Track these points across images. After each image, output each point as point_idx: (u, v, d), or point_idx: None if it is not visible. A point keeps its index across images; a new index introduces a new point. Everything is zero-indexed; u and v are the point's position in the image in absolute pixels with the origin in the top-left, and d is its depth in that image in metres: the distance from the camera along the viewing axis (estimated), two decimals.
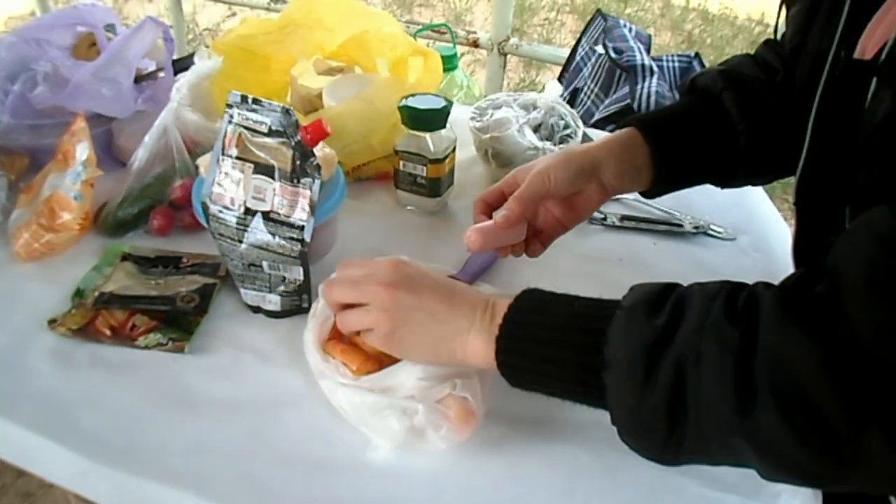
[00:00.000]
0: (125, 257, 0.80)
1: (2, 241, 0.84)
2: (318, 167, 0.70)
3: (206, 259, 0.80)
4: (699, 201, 0.96)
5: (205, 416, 0.64)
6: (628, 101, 1.22)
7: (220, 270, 0.78)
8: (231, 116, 0.70)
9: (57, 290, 0.77)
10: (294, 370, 0.68)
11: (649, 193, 0.75)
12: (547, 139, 0.95)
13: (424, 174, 0.88)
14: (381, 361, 0.66)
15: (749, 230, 0.94)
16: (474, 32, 2.02)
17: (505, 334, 0.54)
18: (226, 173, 0.70)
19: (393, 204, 0.95)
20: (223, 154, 0.70)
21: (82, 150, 0.84)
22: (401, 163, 0.89)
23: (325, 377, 0.64)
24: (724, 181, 0.78)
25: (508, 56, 2.00)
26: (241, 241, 0.70)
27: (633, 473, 0.60)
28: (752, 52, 0.81)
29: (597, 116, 1.29)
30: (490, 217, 0.71)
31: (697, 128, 0.73)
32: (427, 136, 0.86)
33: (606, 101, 1.31)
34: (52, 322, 0.71)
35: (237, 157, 0.70)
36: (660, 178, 0.73)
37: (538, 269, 0.83)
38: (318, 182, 0.70)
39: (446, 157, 0.88)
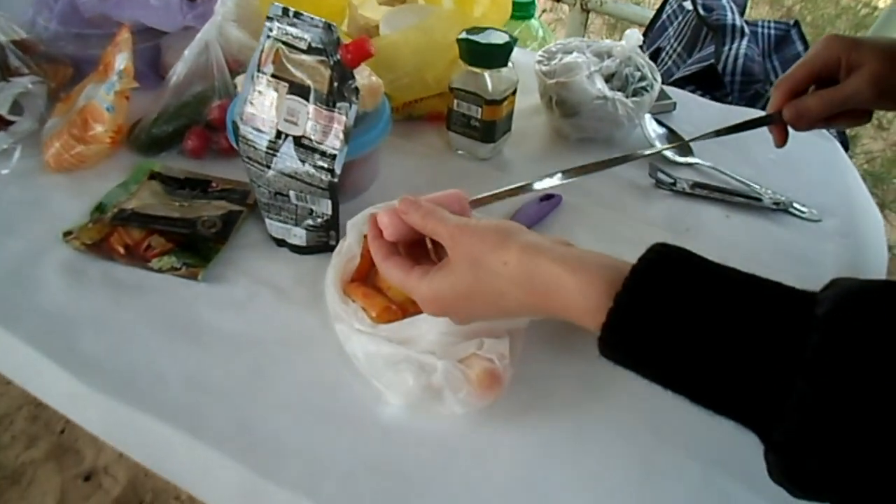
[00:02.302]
0: (153, 176, 0.76)
1: (35, 151, 0.81)
2: (357, 91, 0.63)
3: (237, 185, 0.75)
4: (783, 175, 0.86)
5: (209, 350, 0.59)
6: (712, 61, 1.10)
7: (249, 198, 0.73)
8: (270, 30, 0.64)
9: (81, 203, 0.73)
10: (310, 310, 0.62)
11: None
12: (619, 90, 0.85)
13: (479, 116, 0.80)
14: (406, 310, 0.60)
15: (837, 212, 0.83)
16: None
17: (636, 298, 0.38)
18: (259, 92, 0.64)
19: (443, 147, 0.87)
20: (258, 71, 0.64)
21: (121, 61, 0.80)
22: (455, 101, 0.81)
23: (342, 321, 0.58)
24: None
25: (591, 14, 1.88)
26: (269, 167, 0.65)
27: (674, 467, 0.53)
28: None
29: (677, 76, 1.18)
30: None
31: None
32: (486, 73, 0.78)
33: (689, 61, 1.19)
34: (66, 234, 0.68)
35: (272, 76, 0.64)
36: None
37: (595, 232, 0.76)
38: (354, 108, 0.63)
39: (504, 99, 0.80)
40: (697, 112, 0.97)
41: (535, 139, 0.90)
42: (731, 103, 1.05)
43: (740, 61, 1.09)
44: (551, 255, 0.43)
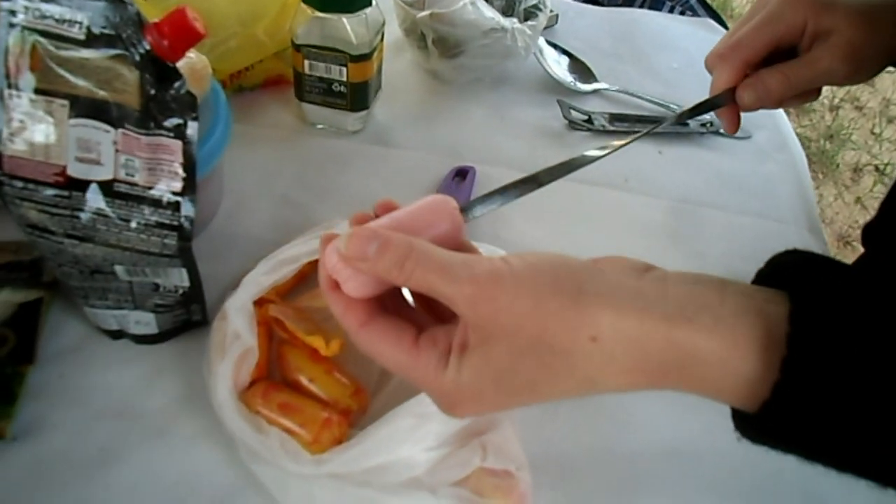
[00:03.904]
0: None
1: None
2: (192, 99, 0.40)
3: (20, 251, 0.49)
4: (693, 87, 0.72)
5: None
6: None
7: (46, 273, 0.48)
8: (13, 14, 0.39)
9: None
10: (206, 444, 0.41)
11: None
12: (505, 14, 0.68)
13: (344, 78, 0.59)
14: (348, 412, 0.41)
15: (764, 124, 0.73)
16: None
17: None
18: (20, 121, 0.39)
19: (295, 123, 0.65)
20: (11, 88, 0.39)
21: None
22: (305, 63, 0.59)
23: (261, 460, 0.38)
24: None
25: None
26: (69, 236, 0.41)
27: None
28: None
29: None
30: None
31: None
32: (344, 19, 0.57)
33: None
34: None
35: (38, 91, 0.39)
36: None
37: (530, 210, 0.59)
38: (194, 124, 0.40)
39: (374, 49, 0.59)
40: (579, 22, 0.81)
41: (410, 90, 0.71)
42: (601, 3, 0.90)
43: None
44: (661, 309, 0.26)
